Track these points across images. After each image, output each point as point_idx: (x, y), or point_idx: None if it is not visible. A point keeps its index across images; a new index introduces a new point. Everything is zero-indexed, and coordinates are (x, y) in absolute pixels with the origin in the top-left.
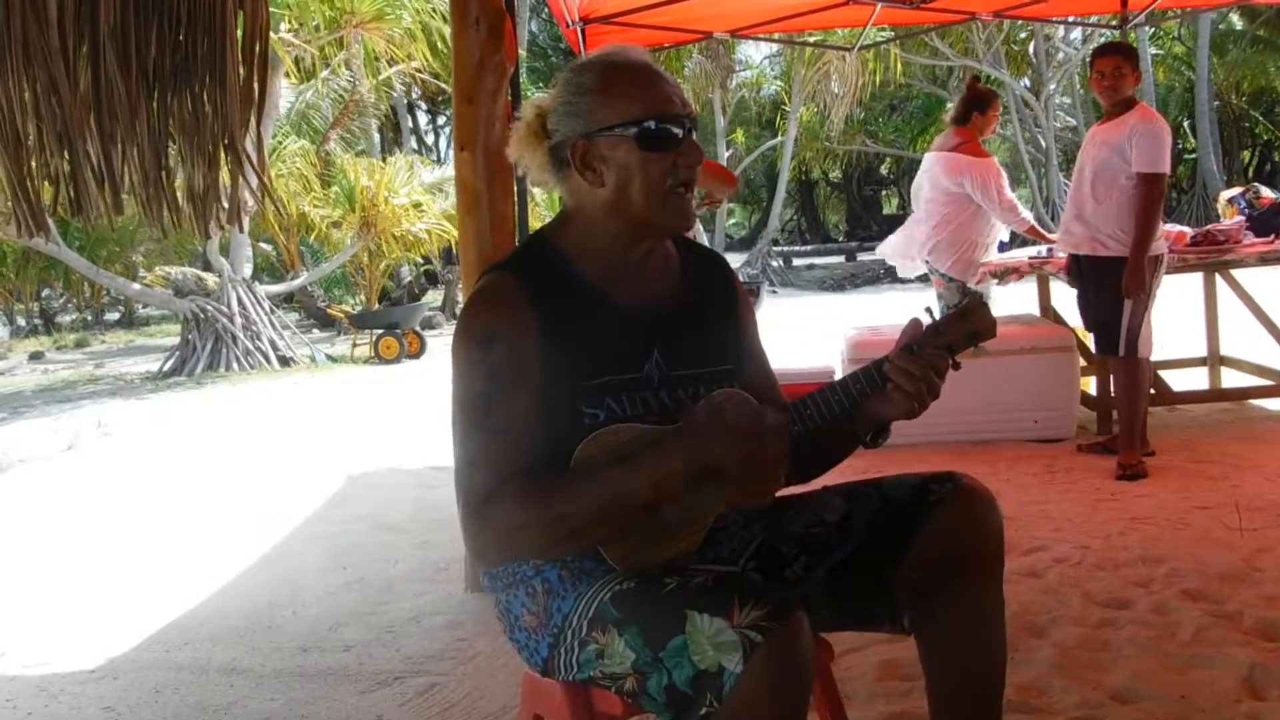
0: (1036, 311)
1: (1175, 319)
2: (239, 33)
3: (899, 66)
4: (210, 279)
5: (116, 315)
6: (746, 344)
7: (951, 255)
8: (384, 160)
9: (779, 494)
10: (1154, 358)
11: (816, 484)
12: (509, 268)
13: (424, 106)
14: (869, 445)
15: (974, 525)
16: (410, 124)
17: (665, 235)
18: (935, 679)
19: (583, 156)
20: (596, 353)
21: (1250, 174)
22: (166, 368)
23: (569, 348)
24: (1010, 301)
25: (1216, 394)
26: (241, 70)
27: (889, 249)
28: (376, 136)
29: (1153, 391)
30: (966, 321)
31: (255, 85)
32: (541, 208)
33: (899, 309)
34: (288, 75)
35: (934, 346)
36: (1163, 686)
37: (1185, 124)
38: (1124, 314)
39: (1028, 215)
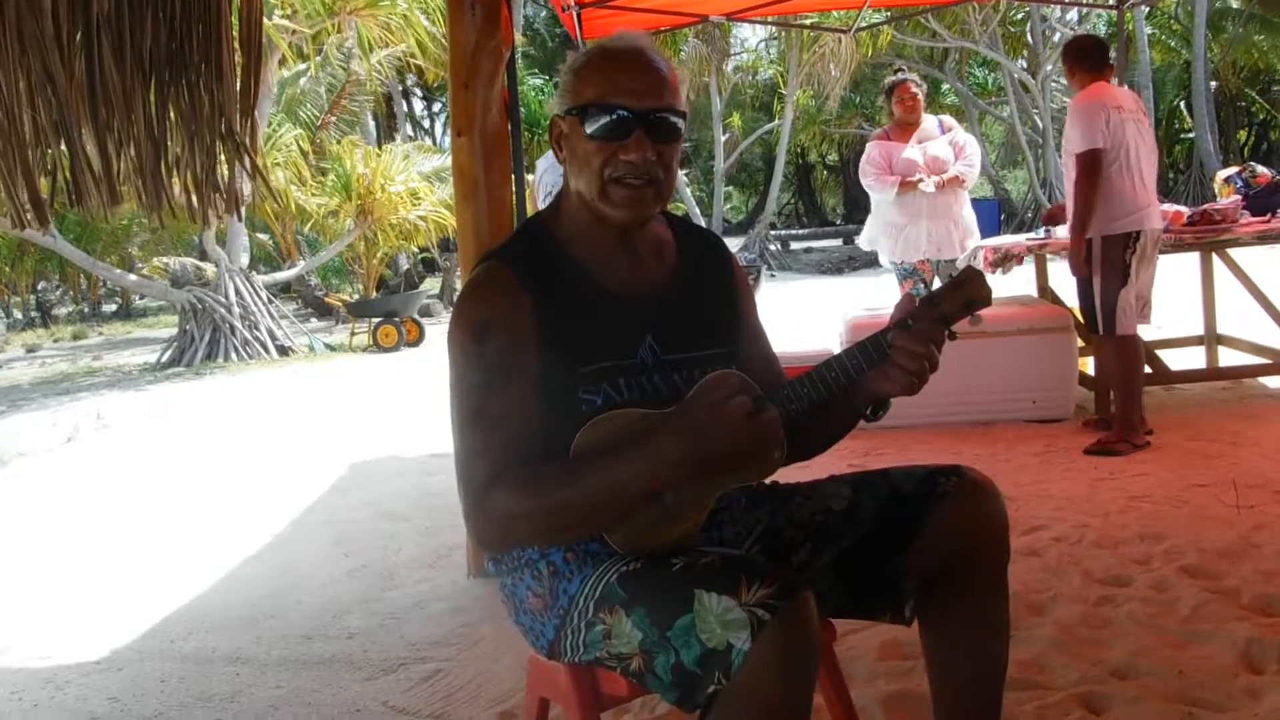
0: (1035, 293)
1: (1172, 298)
2: (234, 20)
3: (889, 41)
4: (209, 269)
5: (113, 307)
6: (744, 325)
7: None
8: (380, 148)
9: (786, 480)
10: (1151, 337)
11: (824, 471)
12: (502, 256)
13: (419, 93)
14: (869, 420)
15: (980, 519)
16: (406, 110)
17: (614, 224)
18: (938, 668)
19: (556, 134)
20: (591, 338)
21: (1247, 153)
22: (165, 359)
23: (563, 334)
24: (1008, 283)
25: (1214, 373)
26: (237, 58)
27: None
28: (372, 124)
29: (1149, 370)
30: (961, 291)
31: (251, 73)
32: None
33: (897, 291)
34: (282, 62)
35: (930, 319)
36: (1161, 662)
37: (1182, 104)
38: (1096, 293)
39: (882, 181)
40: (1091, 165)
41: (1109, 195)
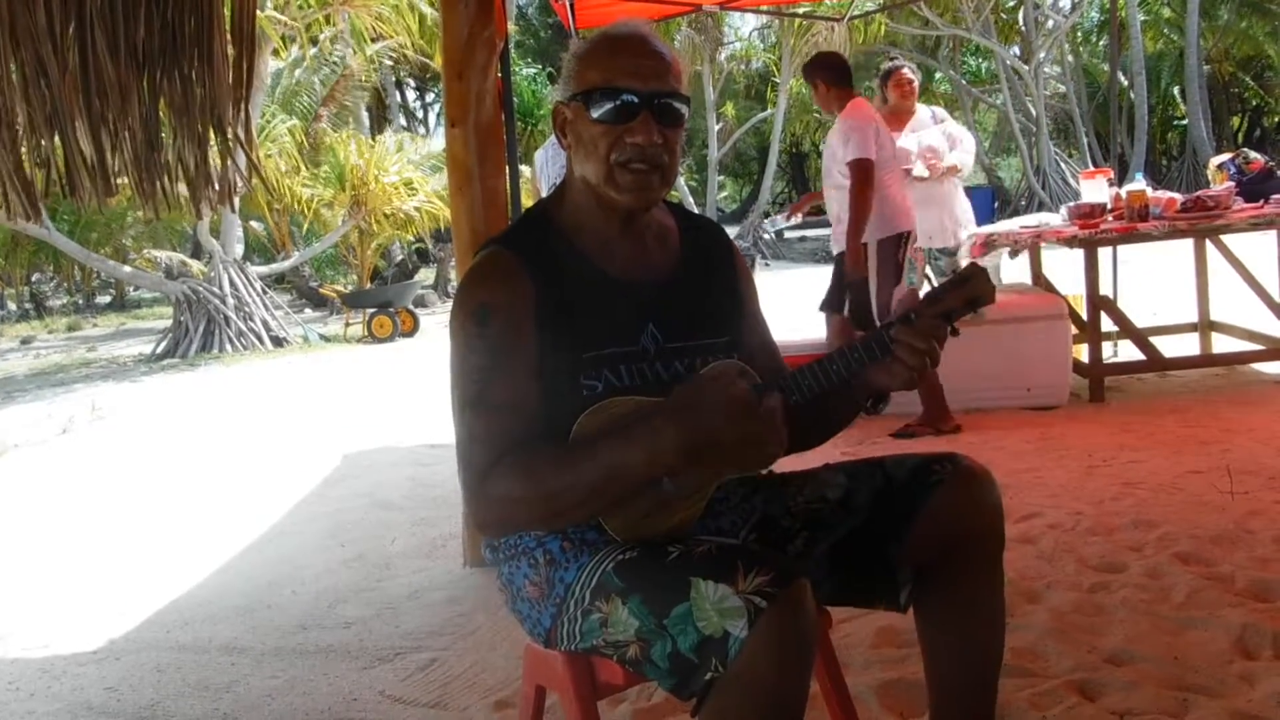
0: (1029, 280)
1: (1166, 285)
2: (226, 11)
3: (882, 29)
4: (195, 265)
5: (107, 299)
6: (745, 314)
7: None
8: (373, 139)
9: (782, 469)
10: (1144, 324)
11: (819, 461)
12: (504, 242)
13: (412, 83)
14: (869, 412)
15: (974, 506)
16: (399, 100)
17: (620, 209)
18: (933, 655)
19: (560, 121)
20: (593, 325)
21: (1240, 139)
22: (159, 350)
23: (565, 320)
24: (1003, 271)
25: (1207, 359)
26: (230, 49)
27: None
28: (365, 115)
29: (1143, 358)
30: (965, 288)
31: (244, 64)
32: (531, 183)
33: None
34: (275, 53)
35: (932, 315)
36: (1156, 648)
37: (1175, 90)
38: (873, 294)
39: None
40: (865, 173)
41: (882, 200)
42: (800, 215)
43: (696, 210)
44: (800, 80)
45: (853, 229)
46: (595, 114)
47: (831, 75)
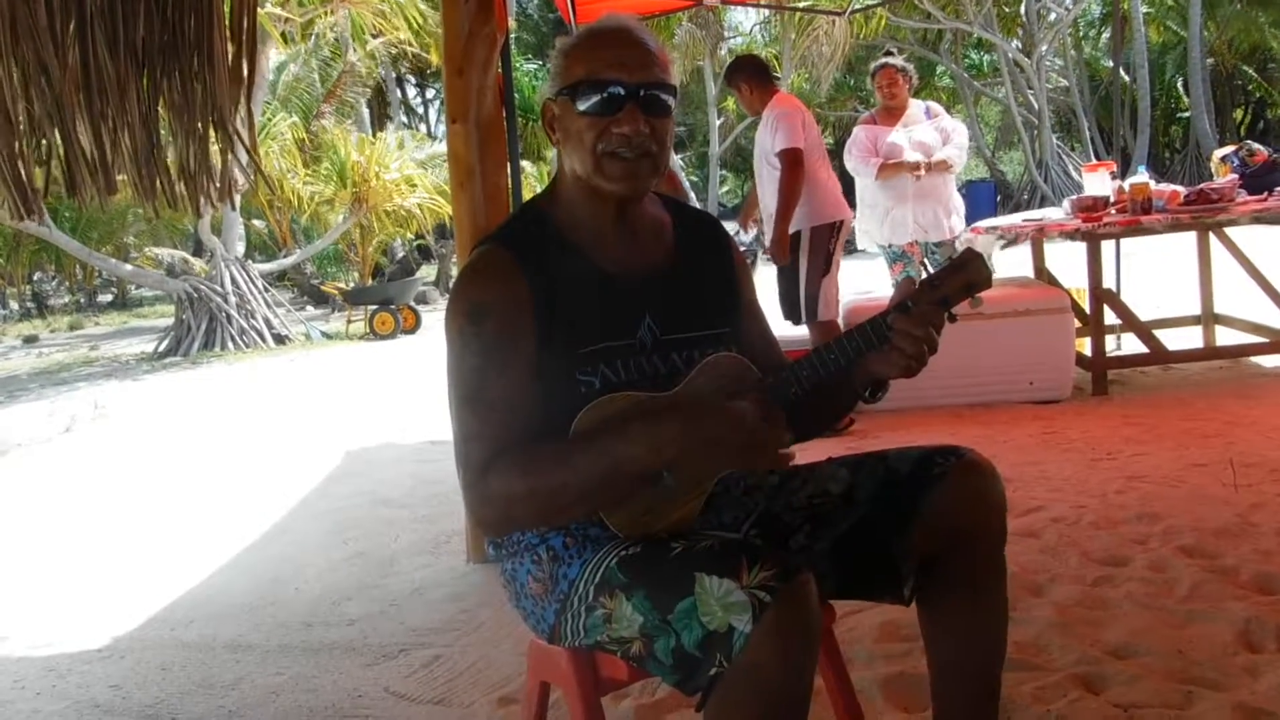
0: (1031, 274)
1: (1170, 278)
2: (226, 8)
3: (883, 23)
4: (198, 263)
5: (109, 297)
6: (742, 306)
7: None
8: (374, 136)
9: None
10: (1147, 317)
11: (821, 455)
12: (499, 240)
13: (412, 79)
14: (868, 401)
15: (977, 499)
16: (399, 97)
17: (611, 199)
18: (937, 649)
19: (549, 118)
20: (589, 320)
21: (1243, 132)
22: (162, 348)
23: (561, 316)
24: (1005, 264)
25: (1211, 352)
26: (230, 46)
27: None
28: (366, 111)
29: (1147, 351)
30: (962, 273)
31: (244, 61)
32: (532, 179)
33: (888, 275)
34: (276, 50)
35: (929, 302)
36: (1160, 642)
37: (1178, 83)
38: (800, 281)
39: (865, 163)
40: (795, 161)
41: (814, 188)
42: (755, 223)
43: (698, 205)
44: (801, 75)
45: (781, 216)
46: (582, 107)
47: (753, 76)
